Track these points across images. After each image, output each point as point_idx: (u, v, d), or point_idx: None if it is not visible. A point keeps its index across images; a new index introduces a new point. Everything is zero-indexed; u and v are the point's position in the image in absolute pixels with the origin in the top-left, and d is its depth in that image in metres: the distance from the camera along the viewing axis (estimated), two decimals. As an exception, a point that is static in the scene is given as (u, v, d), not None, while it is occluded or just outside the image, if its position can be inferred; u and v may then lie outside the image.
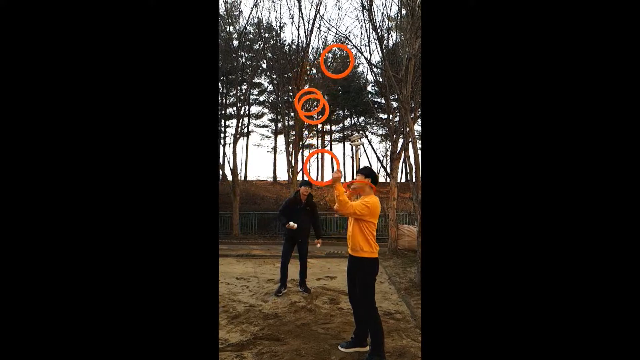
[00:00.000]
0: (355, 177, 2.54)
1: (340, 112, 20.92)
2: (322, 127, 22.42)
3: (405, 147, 5.99)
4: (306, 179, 4.71)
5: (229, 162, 12.58)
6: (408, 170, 5.08)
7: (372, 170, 2.55)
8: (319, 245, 4.25)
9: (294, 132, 12.71)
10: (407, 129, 5.11)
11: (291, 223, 4.07)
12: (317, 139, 22.54)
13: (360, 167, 2.62)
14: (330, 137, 22.81)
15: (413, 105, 6.90)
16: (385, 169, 15.92)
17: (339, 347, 2.59)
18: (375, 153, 15.57)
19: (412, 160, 4.81)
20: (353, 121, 19.76)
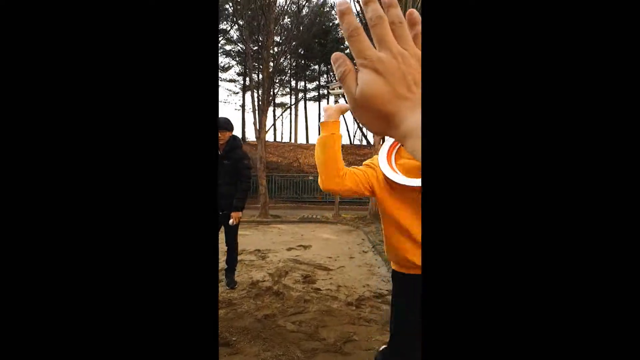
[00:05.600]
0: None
1: (316, 67, 19.03)
2: (296, 85, 20.66)
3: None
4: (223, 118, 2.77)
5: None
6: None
7: None
8: (232, 222, 2.66)
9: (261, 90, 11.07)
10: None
11: None
12: (290, 97, 20.80)
13: None
14: (305, 96, 21.10)
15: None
16: (362, 132, 15.15)
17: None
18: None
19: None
20: (330, 78, 18.14)
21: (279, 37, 12.80)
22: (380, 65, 0.28)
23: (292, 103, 19.94)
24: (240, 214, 2.69)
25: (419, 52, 0.29)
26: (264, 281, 3.01)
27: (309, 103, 21.71)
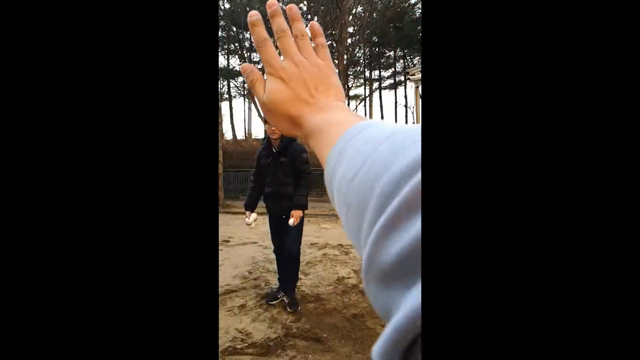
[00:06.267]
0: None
1: (391, 53, 18.14)
2: (370, 75, 20.10)
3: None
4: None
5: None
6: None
7: None
8: (291, 222, 2.26)
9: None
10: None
11: (249, 219, 2.40)
12: (365, 88, 20.36)
13: None
14: (380, 85, 20.38)
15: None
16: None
17: None
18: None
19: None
20: (407, 63, 17.07)
21: (352, 28, 12.56)
22: (284, 73, 0.31)
23: (367, 94, 19.52)
24: (301, 212, 2.28)
25: (320, 61, 0.33)
26: (349, 278, 2.99)
27: (384, 92, 20.93)
